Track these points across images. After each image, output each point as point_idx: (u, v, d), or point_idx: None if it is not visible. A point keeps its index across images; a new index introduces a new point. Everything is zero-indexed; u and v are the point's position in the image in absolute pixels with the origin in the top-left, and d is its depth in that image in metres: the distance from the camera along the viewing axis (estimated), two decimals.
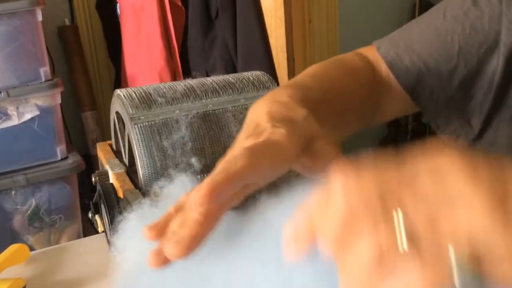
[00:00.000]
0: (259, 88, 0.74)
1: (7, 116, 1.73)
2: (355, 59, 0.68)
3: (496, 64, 0.63)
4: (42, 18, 1.74)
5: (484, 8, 0.64)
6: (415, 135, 2.67)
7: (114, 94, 0.74)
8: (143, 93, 0.70)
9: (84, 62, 2.36)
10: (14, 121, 1.73)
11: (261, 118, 0.46)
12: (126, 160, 0.73)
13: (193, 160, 0.63)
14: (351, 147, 0.45)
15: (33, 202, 1.79)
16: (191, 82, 0.74)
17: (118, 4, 2.12)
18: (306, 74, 0.61)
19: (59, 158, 1.82)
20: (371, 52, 0.69)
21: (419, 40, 0.67)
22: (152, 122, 0.66)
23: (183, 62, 1.86)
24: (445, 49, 0.65)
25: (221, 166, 0.39)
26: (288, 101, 0.49)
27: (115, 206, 0.61)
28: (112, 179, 0.72)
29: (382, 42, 0.70)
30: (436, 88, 0.66)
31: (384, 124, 2.51)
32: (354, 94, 0.63)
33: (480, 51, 0.64)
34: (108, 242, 0.65)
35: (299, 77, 0.60)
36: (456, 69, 0.65)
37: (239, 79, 0.75)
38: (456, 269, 0.27)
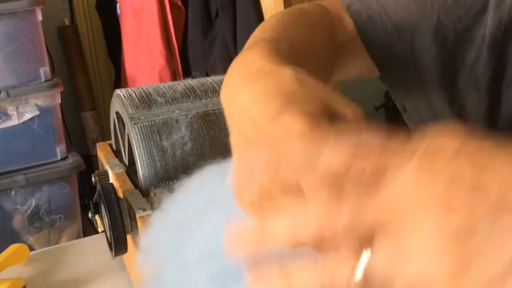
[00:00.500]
0: None
1: (7, 116, 1.73)
2: (316, 11, 0.59)
3: (475, 53, 0.56)
4: (42, 18, 1.74)
5: None
6: None
7: (114, 94, 0.74)
8: (143, 93, 0.70)
9: (84, 62, 2.36)
10: (14, 121, 1.73)
11: (250, 109, 0.34)
12: (126, 160, 0.73)
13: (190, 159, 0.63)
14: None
15: (33, 202, 1.79)
16: (191, 82, 0.74)
17: (118, 4, 2.12)
18: (275, 23, 0.53)
19: (59, 158, 1.82)
20: (335, 7, 0.61)
21: (394, 4, 0.59)
22: (152, 122, 0.66)
23: (183, 62, 1.86)
24: (423, 19, 0.58)
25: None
26: (269, 65, 0.39)
27: (115, 206, 0.61)
28: (112, 179, 0.72)
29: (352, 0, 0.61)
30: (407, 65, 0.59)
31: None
32: (313, 47, 0.55)
33: (458, 26, 0.57)
34: (108, 242, 0.65)
35: (268, 25, 0.51)
36: (431, 46, 0.58)
37: None
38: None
